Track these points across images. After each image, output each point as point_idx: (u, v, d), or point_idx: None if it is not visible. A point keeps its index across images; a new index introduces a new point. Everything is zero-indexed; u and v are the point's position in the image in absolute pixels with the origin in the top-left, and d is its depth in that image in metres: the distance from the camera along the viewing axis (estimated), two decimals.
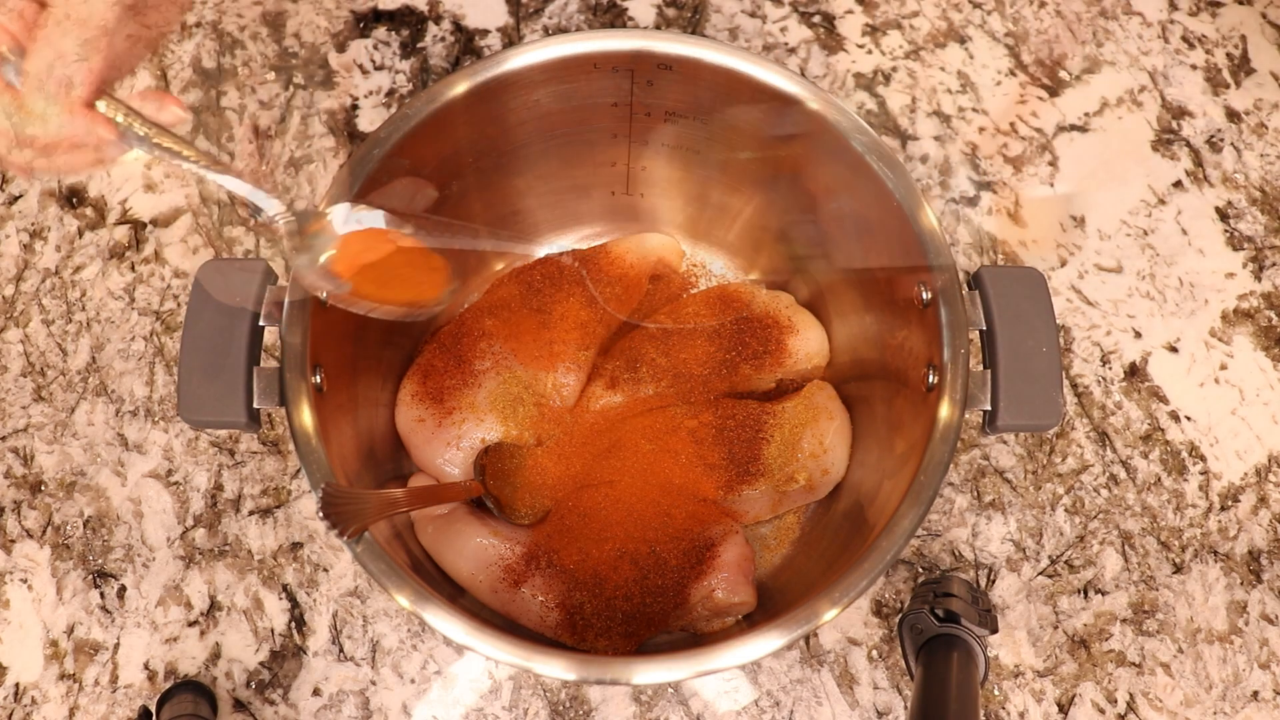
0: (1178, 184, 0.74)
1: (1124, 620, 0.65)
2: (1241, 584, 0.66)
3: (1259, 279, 0.72)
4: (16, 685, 0.63)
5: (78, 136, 0.38)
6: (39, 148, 0.38)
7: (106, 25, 0.38)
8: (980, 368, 0.49)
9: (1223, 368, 0.70)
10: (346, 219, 0.43)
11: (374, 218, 0.44)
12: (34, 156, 0.39)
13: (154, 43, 0.47)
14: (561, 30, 0.77)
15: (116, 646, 0.64)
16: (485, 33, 0.77)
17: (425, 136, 0.53)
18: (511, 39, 0.77)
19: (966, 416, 0.49)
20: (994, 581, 0.66)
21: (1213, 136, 0.76)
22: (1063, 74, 0.76)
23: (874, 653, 0.64)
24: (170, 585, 0.65)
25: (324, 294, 0.44)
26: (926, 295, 0.50)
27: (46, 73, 0.37)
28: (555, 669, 0.45)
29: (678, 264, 0.68)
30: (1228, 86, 0.77)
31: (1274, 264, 0.73)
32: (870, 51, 0.76)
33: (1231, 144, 0.76)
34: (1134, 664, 0.65)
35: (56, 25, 0.38)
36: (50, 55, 0.37)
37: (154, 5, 0.45)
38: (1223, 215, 0.74)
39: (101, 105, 0.39)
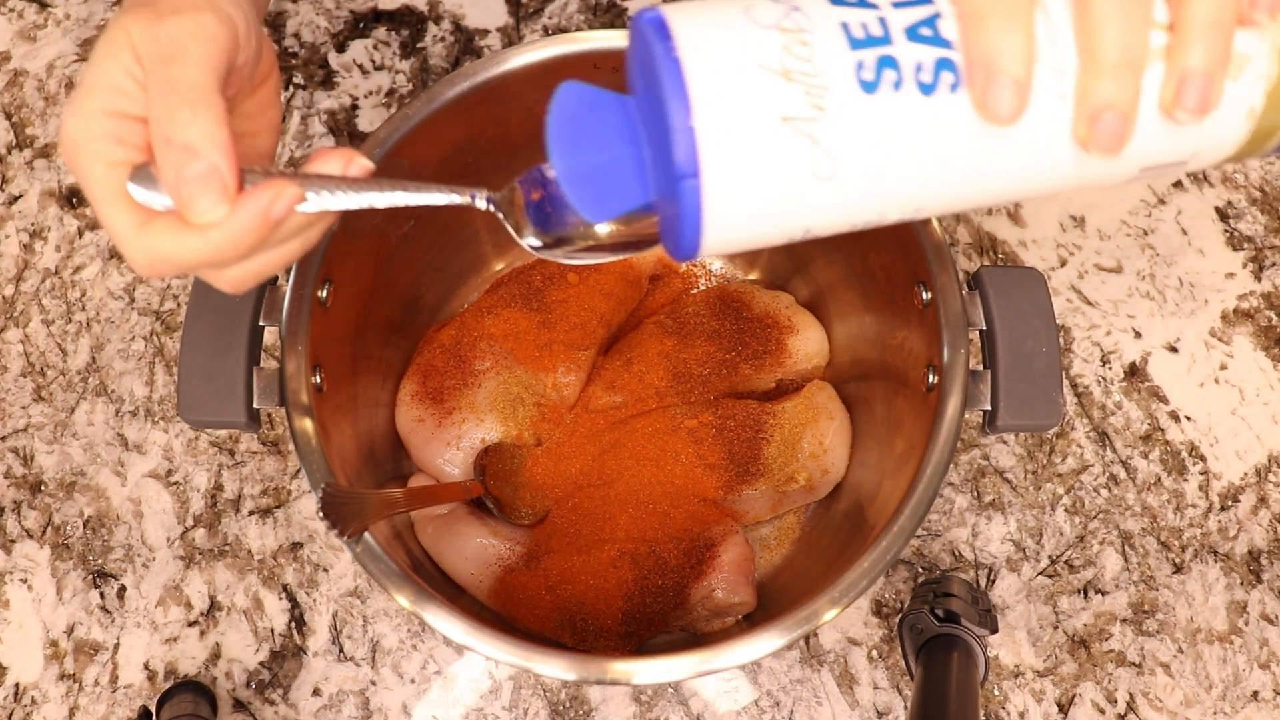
0: (1178, 184, 0.74)
1: (1124, 620, 0.65)
2: (1241, 584, 0.66)
3: (1259, 279, 0.72)
4: (16, 685, 0.63)
5: (260, 220, 0.34)
6: (234, 252, 0.34)
7: (217, 98, 0.34)
8: (980, 368, 0.49)
9: (1223, 368, 0.70)
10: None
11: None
12: (240, 270, 0.35)
13: (260, 158, 0.41)
14: (561, 30, 0.77)
15: (116, 646, 0.64)
16: (485, 33, 0.77)
17: (425, 136, 0.53)
18: (511, 39, 0.77)
19: (966, 416, 0.49)
20: (994, 581, 0.66)
21: None
22: None
23: (874, 653, 0.64)
24: (170, 585, 0.65)
25: (565, 259, 0.41)
26: (926, 295, 0.50)
27: (184, 179, 0.33)
28: (555, 669, 0.45)
29: (678, 264, 0.68)
30: None
31: (1274, 264, 0.73)
32: None
33: None
34: (1134, 664, 0.65)
35: (168, 120, 0.33)
36: (178, 153, 0.33)
37: (247, 113, 0.40)
38: (1223, 215, 0.74)
39: (300, 191, 0.35)
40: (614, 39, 0.53)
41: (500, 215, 0.40)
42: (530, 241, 0.40)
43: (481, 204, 0.40)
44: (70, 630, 0.64)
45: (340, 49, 0.76)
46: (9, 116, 0.74)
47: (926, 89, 0.28)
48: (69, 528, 0.66)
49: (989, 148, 0.29)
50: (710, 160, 0.28)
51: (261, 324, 0.48)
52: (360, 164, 0.37)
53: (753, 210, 0.29)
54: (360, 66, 0.76)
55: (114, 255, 0.71)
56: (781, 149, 0.28)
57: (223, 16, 0.36)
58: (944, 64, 0.28)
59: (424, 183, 0.38)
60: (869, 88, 0.28)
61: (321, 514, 0.43)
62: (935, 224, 0.51)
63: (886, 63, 0.27)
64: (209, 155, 0.33)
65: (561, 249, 0.41)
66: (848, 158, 0.28)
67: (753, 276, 0.69)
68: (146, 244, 0.34)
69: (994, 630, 0.60)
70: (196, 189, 0.33)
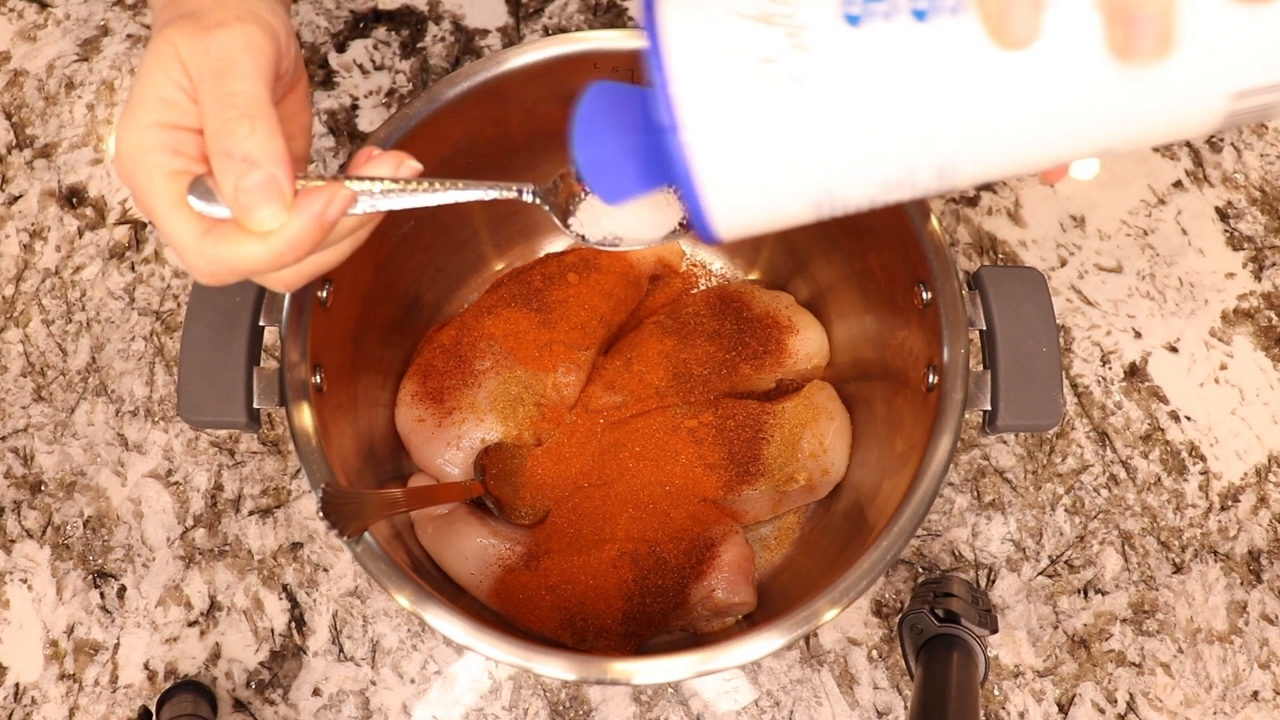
0: (1178, 184, 0.74)
1: (1124, 620, 0.65)
2: (1241, 584, 0.66)
3: (1259, 279, 0.72)
4: (16, 685, 0.63)
5: (316, 224, 0.35)
6: (294, 255, 0.35)
7: (270, 109, 0.34)
8: (980, 368, 0.49)
9: (1223, 368, 0.70)
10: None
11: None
12: (293, 272, 0.36)
13: (297, 162, 0.42)
14: (561, 30, 0.77)
15: (116, 646, 0.64)
16: (485, 33, 0.77)
17: (425, 136, 0.53)
18: (511, 39, 0.77)
19: (966, 416, 0.49)
20: (994, 581, 0.66)
21: (1212, 136, 0.76)
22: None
23: (874, 653, 0.64)
24: (170, 585, 0.65)
25: (610, 246, 0.42)
26: (926, 295, 0.50)
27: (243, 189, 0.33)
28: (555, 669, 0.45)
29: (678, 264, 0.68)
30: None
31: (1274, 264, 0.73)
32: None
33: (1231, 144, 0.76)
34: (1134, 664, 0.65)
35: (226, 133, 0.34)
36: (237, 165, 0.34)
37: (287, 114, 0.40)
38: (1223, 215, 0.74)
39: (353, 193, 0.36)
40: (614, 39, 0.53)
41: (546, 207, 0.41)
42: (577, 230, 0.41)
43: (528, 197, 0.41)
44: (70, 630, 0.64)
45: (340, 49, 0.76)
46: (9, 116, 0.74)
47: (920, 14, 0.25)
48: (69, 528, 0.66)
49: (1009, 81, 0.25)
50: (692, 112, 0.27)
51: (261, 324, 0.48)
52: (410, 166, 0.38)
53: (755, 168, 0.27)
54: (360, 66, 0.76)
55: (114, 255, 0.71)
56: (765, 94, 0.26)
57: (266, 27, 0.36)
58: None
59: (470, 180, 0.39)
60: (854, 20, 0.26)
61: (321, 514, 0.43)
62: (935, 224, 0.51)
63: None
64: (267, 165, 0.34)
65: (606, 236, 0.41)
66: (842, 99, 0.26)
67: (753, 276, 0.69)
68: (209, 252, 0.34)
69: (994, 630, 0.60)
70: (256, 198, 0.34)
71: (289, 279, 0.37)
